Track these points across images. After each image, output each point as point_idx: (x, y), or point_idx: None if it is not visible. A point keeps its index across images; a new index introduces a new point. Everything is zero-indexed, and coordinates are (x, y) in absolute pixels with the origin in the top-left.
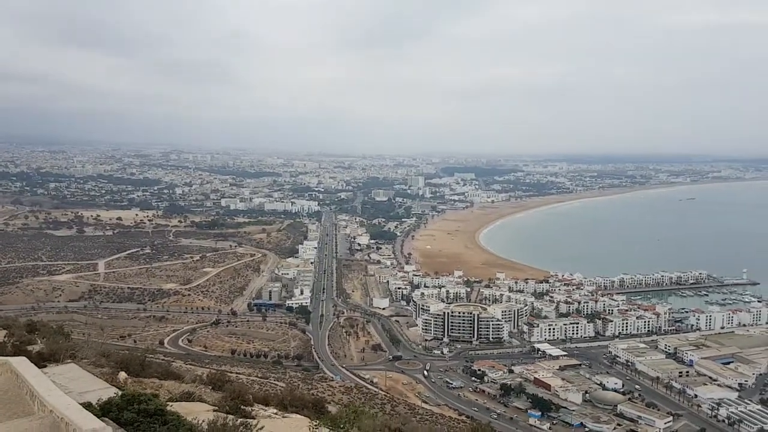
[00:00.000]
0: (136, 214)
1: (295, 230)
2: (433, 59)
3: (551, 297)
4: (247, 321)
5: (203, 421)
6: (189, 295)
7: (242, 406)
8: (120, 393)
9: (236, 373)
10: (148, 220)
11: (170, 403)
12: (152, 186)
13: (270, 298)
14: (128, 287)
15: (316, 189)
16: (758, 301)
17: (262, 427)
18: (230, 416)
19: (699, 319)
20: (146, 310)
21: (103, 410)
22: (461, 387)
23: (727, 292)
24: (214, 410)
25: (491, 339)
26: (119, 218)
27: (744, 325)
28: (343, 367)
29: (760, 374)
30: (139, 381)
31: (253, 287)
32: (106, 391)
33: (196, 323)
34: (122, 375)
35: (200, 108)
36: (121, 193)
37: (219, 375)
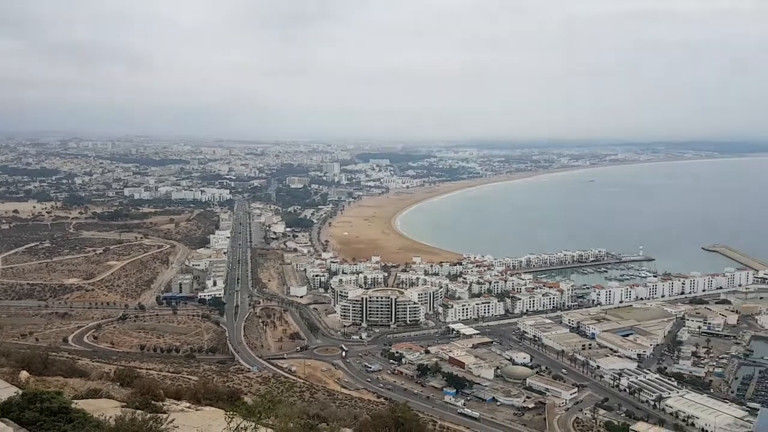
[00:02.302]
0: (34, 207)
1: (205, 220)
2: (348, 44)
3: (464, 278)
4: (157, 315)
5: (110, 417)
6: (93, 290)
7: (153, 402)
8: (21, 392)
9: (146, 369)
10: (47, 212)
11: (76, 401)
12: (50, 176)
13: (180, 291)
14: (27, 283)
15: (227, 177)
16: (654, 276)
17: (172, 421)
18: (139, 411)
19: (599, 295)
20: (48, 306)
21: (2, 410)
22: (380, 370)
23: (625, 268)
24: (123, 406)
25: (408, 322)
26: (15, 211)
27: (641, 299)
28: (260, 357)
29: (657, 345)
30: (42, 380)
31: (162, 280)
32: (5, 391)
33: (102, 319)
34: (24, 374)
35: (100, 93)
36: (16, 185)
37: (127, 371)
